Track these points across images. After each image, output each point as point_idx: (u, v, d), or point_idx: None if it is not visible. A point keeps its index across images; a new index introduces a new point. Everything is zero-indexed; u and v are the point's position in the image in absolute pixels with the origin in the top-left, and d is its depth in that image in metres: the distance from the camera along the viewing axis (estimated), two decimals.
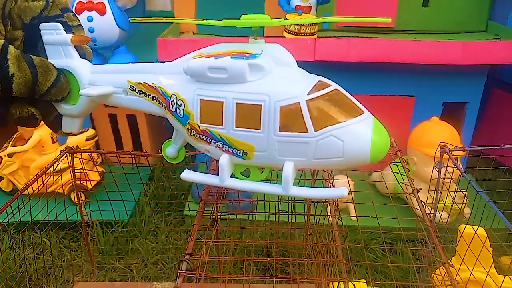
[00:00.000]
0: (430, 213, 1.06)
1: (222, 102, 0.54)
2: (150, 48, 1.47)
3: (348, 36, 1.28)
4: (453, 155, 0.80)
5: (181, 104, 0.58)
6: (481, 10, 1.40)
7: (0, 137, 1.45)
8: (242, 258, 0.48)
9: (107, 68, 0.66)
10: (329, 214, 0.59)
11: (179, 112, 0.59)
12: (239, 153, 0.56)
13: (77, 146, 1.02)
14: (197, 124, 0.56)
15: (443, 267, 0.52)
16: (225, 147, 0.57)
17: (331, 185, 0.72)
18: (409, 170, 0.74)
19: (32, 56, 0.60)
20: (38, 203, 0.98)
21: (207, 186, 0.68)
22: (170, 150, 0.66)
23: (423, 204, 0.69)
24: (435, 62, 1.23)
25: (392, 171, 0.92)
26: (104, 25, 1.36)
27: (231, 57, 0.53)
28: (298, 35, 1.23)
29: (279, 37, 1.26)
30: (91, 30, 1.37)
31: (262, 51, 0.55)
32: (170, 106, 0.60)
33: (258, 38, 0.59)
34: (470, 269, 0.72)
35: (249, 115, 0.53)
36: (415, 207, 0.69)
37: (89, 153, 1.12)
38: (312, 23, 1.23)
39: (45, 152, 1.35)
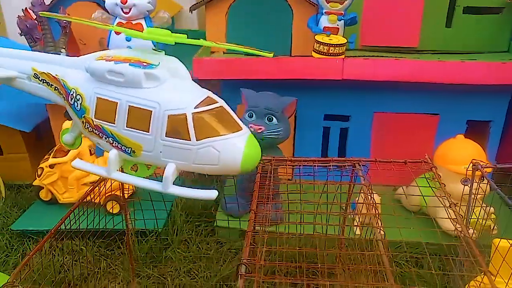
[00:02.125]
0: (460, 227, 1.09)
1: (117, 103, 0.60)
2: (188, 54, 1.54)
3: (373, 56, 1.33)
4: (485, 172, 0.83)
5: (79, 98, 0.63)
6: (503, 30, 1.43)
7: (42, 150, 1.53)
8: (294, 264, 0.52)
9: (12, 52, 0.70)
10: (374, 225, 0.63)
11: (77, 106, 0.64)
12: (127, 150, 0.61)
13: None
14: (92, 119, 0.62)
15: (481, 277, 0.56)
16: (115, 143, 0.61)
17: (369, 197, 0.76)
18: (444, 185, 0.77)
19: None
20: (82, 212, 1.02)
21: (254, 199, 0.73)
22: (67, 137, 0.72)
23: (455, 218, 0.72)
24: (460, 82, 1.27)
25: (417, 185, 0.95)
26: (141, 44, 1.44)
27: (130, 64, 0.58)
28: (326, 55, 1.29)
29: (307, 57, 1.32)
30: (128, 39, 1.44)
31: (159, 62, 0.60)
32: (69, 98, 0.65)
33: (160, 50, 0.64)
34: (505, 281, 0.75)
35: (140, 118, 0.58)
36: (445, 219, 0.71)
37: None
38: (331, 44, 1.28)
39: None
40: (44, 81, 0.68)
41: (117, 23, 1.46)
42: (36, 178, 1.42)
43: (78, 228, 0.98)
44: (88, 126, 0.63)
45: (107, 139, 0.63)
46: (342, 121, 1.45)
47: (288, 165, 0.84)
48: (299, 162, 0.84)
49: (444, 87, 1.32)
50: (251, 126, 1.23)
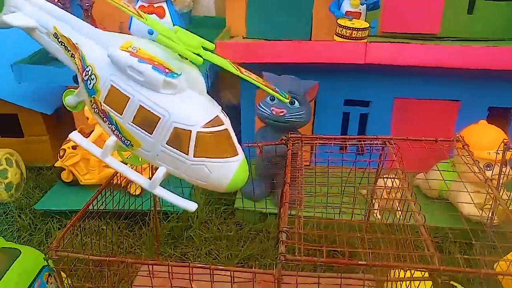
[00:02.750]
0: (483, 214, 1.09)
1: (129, 98, 0.59)
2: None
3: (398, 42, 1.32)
4: None
5: (93, 78, 0.62)
6: None
7: (62, 132, 1.55)
8: (333, 246, 0.52)
9: (37, 2, 0.66)
10: (414, 211, 0.63)
11: (89, 84, 0.62)
12: (126, 142, 0.62)
13: None
14: (100, 102, 0.61)
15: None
16: (116, 132, 0.62)
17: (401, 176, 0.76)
18: (478, 162, 0.77)
19: None
20: (106, 194, 1.02)
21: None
22: (70, 99, 0.70)
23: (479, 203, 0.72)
24: (484, 67, 1.26)
25: (438, 169, 0.95)
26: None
27: (152, 67, 0.57)
28: (349, 39, 1.28)
29: (330, 41, 1.32)
30: (150, 32, 1.45)
31: (181, 73, 0.60)
32: (84, 74, 0.63)
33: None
34: None
35: (147, 119, 0.59)
36: (467, 203, 0.71)
37: None
38: (354, 27, 1.28)
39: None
40: (63, 44, 0.66)
41: (139, 6, 1.47)
42: (58, 159, 1.44)
43: (104, 209, 0.99)
44: (95, 107, 0.63)
45: (110, 126, 0.63)
46: (362, 106, 1.45)
47: (318, 143, 0.85)
48: (329, 140, 0.84)
49: (466, 73, 1.32)
50: (273, 109, 1.23)
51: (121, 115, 0.60)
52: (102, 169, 1.44)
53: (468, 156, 0.81)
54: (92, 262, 0.66)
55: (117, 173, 1.05)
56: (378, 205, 1.20)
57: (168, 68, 0.58)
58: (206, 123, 0.59)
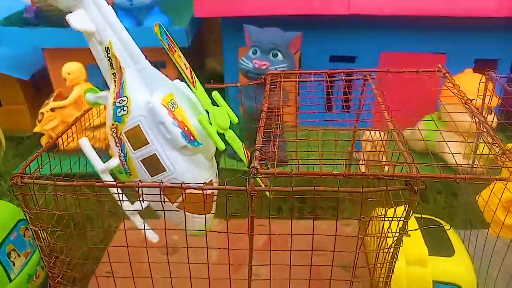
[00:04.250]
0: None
1: (148, 143, 0.65)
2: (183, 7, 1.51)
3: None
4: (500, 81, 0.81)
5: (125, 110, 0.67)
6: None
7: (41, 102, 1.50)
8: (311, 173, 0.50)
9: (102, 6, 0.66)
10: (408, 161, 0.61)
11: (118, 112, 0.67)
12: (127, 169, 0.69)
13: None
14: (121, 132, 0.67)
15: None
16: (122, 159, 0.68)
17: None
18: (468, 98, 0.75)
19: None
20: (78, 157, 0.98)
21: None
22: (90, 96, 0.75)
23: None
24: (472, 15, 1.23)
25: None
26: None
27: (181, 133, 0.65)
28: None
29: None
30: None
31: (202, 143, 0.67)
32: (118, 100, 0.67)
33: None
34: None
35: (154, 165, 0.67)
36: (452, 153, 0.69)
37: None
38: None
39: (84, 108, 1.39)
40: (110, 60, 0.68)
41: None
42: (36, 125, 1.40)
43: (84, 172, 0.95)
44: (114, 132, 0.68)
45: (120, 152, 0.68)
46: (348, 62, 1.43)
47: (299, 79, 0.82)
48: (309, 75, 0.82)
49: (451, 24, 1.29)
50: (255, 63, 1.20)
51: (134, 150, 0.66)
52: (83, 132, 1.40)
53: (453, 88, 0.79)
54: (61, 188, 0.63)
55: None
56: (363, 157, 1.19)
57: (193, 136, 0.66)
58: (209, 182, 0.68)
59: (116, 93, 0.67)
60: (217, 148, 0.66)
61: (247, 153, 0.71)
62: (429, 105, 1.29)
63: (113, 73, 0.68)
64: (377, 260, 0.63)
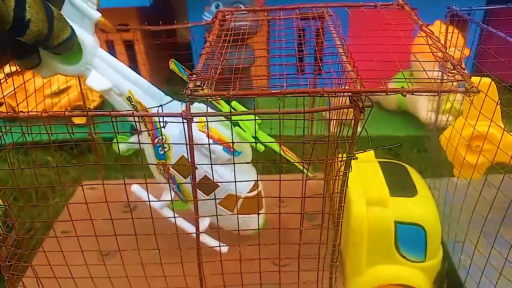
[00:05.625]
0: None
1: (197, 168, 0.64)
2: None
3: None
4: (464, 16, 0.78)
5: (166, 147, 0.70)
6: None
7: None
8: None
9: (111, 62, 0.70)
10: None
11: (160, 150, 0.70)
12: (183, 197, 0.75)
13: None
14: (169, 167, 0.71)
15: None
16: (176, 190, 0.74)
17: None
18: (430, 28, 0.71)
19: (51, 6, 0.56)
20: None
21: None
22: (123, 147, 0.77)
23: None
24: None
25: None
26: None
27: (223, 148, 0.70)
28: None
29: None
30: None
31: (241, 151, 0.74)
32: (156, 141, 0.70)
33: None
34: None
35: (206, 184, 0.71)
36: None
37: None
38: None
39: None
40: (135, 107, 0.70)
41: None
42: None
43: (47, 140, 0.90)
44: (161, 168, 0.72)
45: (173, 186, 0.73)
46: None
47: (253, 18, 0.78)
48: (263, 12, 0.79)
49: None
50: None
51: (185, 178, 0.71)
52: (42, 98, 1.34)
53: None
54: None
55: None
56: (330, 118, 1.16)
57: (232, 148, 0.71)
58: (250, 189, 0.75)
59: (153, 135, 0.70)
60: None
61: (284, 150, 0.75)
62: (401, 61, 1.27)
63: (142, 118, 0.70)
64: (332, 193, 0.64)
